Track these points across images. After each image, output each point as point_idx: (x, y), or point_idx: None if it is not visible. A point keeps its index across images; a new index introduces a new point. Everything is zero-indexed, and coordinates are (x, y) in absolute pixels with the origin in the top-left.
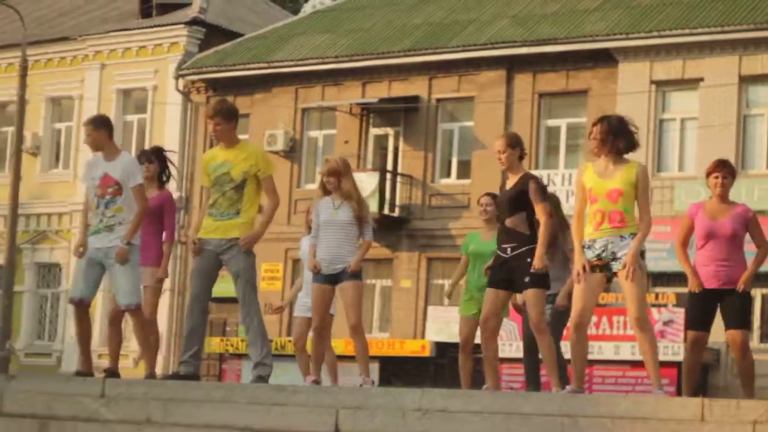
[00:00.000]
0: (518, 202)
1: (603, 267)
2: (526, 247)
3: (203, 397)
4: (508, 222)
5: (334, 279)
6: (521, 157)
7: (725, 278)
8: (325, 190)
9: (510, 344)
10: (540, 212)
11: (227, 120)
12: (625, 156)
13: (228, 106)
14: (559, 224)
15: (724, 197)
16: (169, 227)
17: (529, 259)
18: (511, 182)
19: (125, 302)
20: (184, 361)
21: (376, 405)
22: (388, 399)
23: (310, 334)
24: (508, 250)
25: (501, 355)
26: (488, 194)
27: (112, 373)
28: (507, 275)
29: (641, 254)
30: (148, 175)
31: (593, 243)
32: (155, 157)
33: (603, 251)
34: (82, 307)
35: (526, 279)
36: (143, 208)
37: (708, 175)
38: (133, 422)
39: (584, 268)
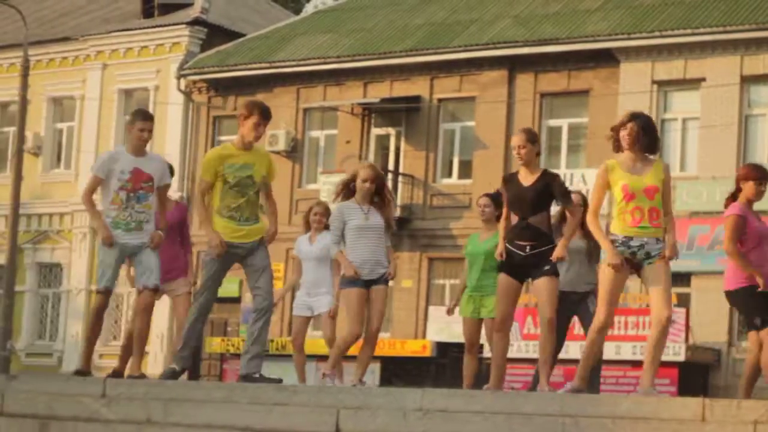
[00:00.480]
0: (542, 200)
1: (633, 265)
2: (546, 246)
3: (204, 397)
4: (532, 220)
5: (369, 283)
6: (538, 154)
7: None
8: (347, 194)
9: (510, 344)
10: (574, 211)
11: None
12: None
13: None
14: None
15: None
16: (187, 239)
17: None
18: (528, 179)
19: (156, 282)
20: (182, 357)
21: (377, 405)
22: (389, 399)
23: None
24: (527, 248)
25: None
26: (487, 195)
27: (118, 375)
28: (523, 271)
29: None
30: None
31: (629, 240)
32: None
33: (639, 250)
34: (108, 300)
35: (546, 267)
36: (167, 207)
37: (748, 179)
38: (134, 422)
39: (621, 263)
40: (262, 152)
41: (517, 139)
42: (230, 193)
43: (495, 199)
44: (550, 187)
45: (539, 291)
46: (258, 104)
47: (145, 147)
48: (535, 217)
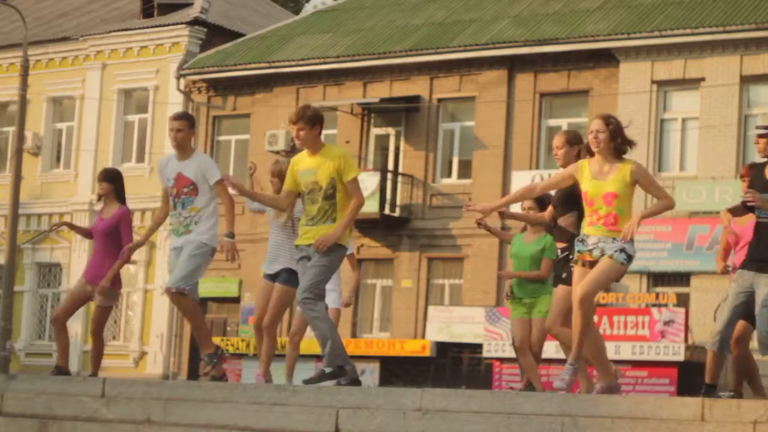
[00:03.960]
0: (568, 202)
1: (592, 263)
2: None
3: (204, 396)
4: (560, 221)
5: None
6: (579, 156)
7: None
8: None
9: (510, 344)
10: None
11: (311, 125)
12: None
13: (312, 111)
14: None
15: None
16: (125, 244)
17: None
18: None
19: (170, 283)
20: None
21: (376, 405)
22: (388, 399)
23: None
24: (558, 251)
25: (501, 354)
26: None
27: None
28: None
29: (629, 258)
30: (101, 192)
31: (587, 238)
32: (110, 178)
33: (594, 248)
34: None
35: (564, 275)
36: (230, 202)
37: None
38: (133, 422)
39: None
40: (330, 154)
41: (554, 141)
42: (303, 199)
43: (539, 201)
44: (574, 189)
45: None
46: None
47: (181, 148)
48: (563, 218)
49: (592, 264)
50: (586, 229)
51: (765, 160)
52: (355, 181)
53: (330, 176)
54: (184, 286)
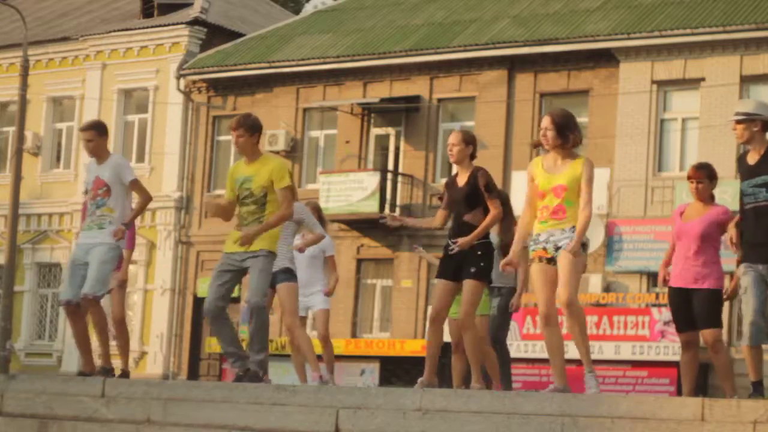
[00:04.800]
0: (473, 198)
1: (550, 259)
2: (477, 241)
3: (204, 396)
4: (467, 218)
5: None
6: (473, 156)
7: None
8: None
9: (509, 344)
10: (490, 206)
11: (251, 133)
12: (574, 150)
13: (253, 119)
14: (507, 223)
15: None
16: (130, 235)
17: (479, 252)
18: (462, 178)
19: (87, 289)
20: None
21: (376, 405)
22: (388, 399)
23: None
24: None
25: None
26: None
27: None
28: (456, 265)
29: (583, 245)
30: None
31: (538, 237)
32: None
33: (546, 243)
34: (71, 308)
35: (472, 269)
36: (146, 198)
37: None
38: (133, 422)
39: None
40: (267, 163)
41: (451, 138)
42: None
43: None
44: (477, 185)
45: (463, 292)
46: (234, 117)
47: (97, 155)
48: (470, 215)
49: (550, 260)
50: (536, 228)
51: (748, 147)
52: (286, 190)
53: (263, 185)
54: (100, 291)
